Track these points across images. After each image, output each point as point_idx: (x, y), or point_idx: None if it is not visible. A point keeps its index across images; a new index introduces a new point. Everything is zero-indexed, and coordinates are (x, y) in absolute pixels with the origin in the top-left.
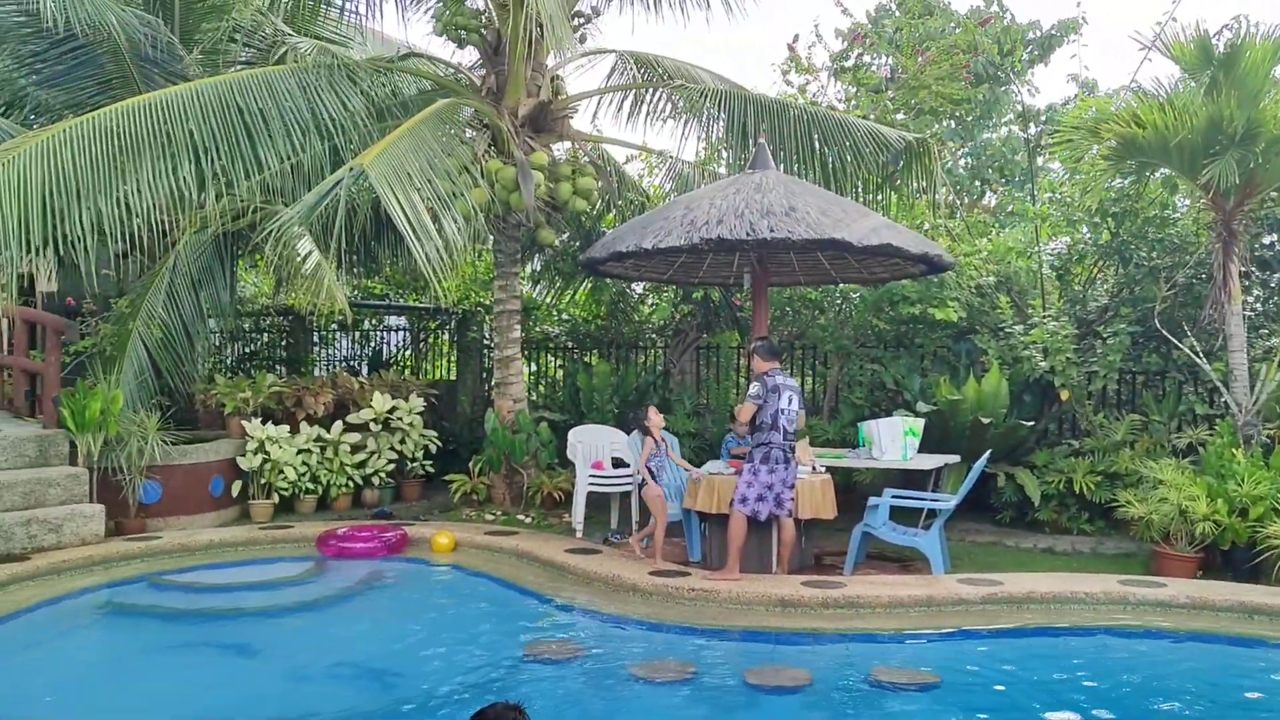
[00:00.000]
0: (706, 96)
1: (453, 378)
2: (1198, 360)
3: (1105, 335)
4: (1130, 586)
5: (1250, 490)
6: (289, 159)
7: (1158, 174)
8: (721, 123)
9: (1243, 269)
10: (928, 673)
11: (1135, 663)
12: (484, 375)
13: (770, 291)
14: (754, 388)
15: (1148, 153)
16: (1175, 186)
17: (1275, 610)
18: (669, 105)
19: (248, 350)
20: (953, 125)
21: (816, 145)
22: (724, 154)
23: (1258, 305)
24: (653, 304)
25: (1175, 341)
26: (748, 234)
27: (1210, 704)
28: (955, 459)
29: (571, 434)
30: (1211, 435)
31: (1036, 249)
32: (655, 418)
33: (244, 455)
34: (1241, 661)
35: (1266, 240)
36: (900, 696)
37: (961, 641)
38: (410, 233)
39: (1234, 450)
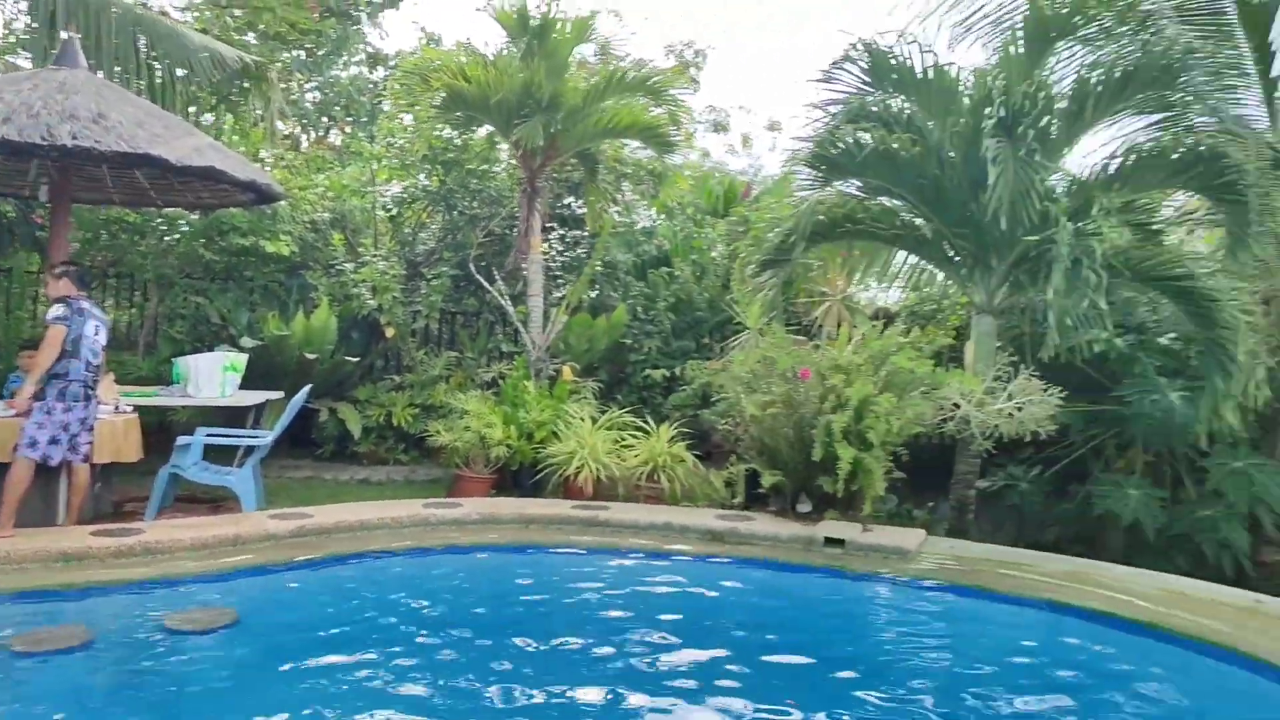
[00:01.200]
0: None
1: None
2: (504, 303)
3: (430, 277)
4: (432, 509)
5: (537, 417)
6: None
7: (482, 129)
8: (24, 6)
9: (546, 224)
10: (227, 611)
11: (426, 577)
12: None
13: (83, 211)
14: (58, 309)
15: (472, 106)
16: (495, 142)
17: (546, 519)
18: None
19: None
20: (303, 57)
21: (143, 52)
22: (28, 48)
23: (558, 258)
24: None
25: (487, 285)
26: (43, 138)
27: (479, 601)
28: (278, 395)
29: None
30: (511, 370)
31: (372, 189)
32: None
33: None
34: (517, 566)
35: (566, 201)
36: (193, 639)
37: (267, 577)
38: None
39: (527, 382)
